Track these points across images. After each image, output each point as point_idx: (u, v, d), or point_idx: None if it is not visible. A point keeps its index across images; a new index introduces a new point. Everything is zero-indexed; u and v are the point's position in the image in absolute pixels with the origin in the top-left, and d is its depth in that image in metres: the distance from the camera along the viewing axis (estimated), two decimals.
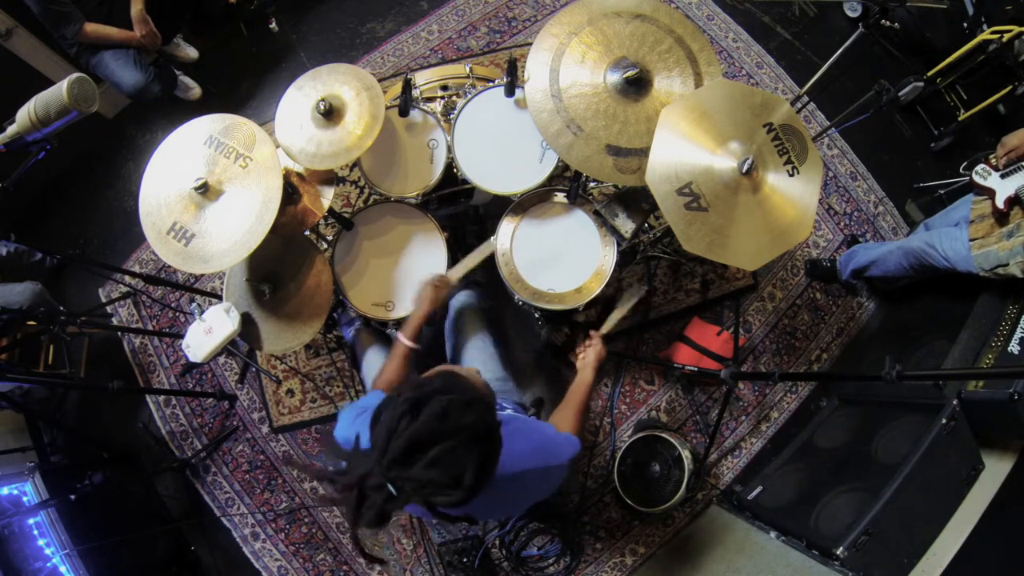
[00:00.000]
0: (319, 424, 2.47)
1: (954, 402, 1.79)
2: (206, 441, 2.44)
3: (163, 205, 1.57)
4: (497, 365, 1.72)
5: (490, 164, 1.85)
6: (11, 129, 1.41)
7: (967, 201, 2.09)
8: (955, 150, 2.81)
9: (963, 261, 1.99)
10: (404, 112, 1.86)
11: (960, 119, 2.72)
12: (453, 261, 1.92)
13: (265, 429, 2.47)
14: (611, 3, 1.63)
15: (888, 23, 2.06)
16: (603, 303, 2.46)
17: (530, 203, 1.91)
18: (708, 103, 1.52)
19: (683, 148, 1.48)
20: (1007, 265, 1.87)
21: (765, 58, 2.96)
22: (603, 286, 1.85)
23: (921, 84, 2.69)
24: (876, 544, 1.62)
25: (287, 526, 2.39)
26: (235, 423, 2.48)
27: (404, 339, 1.50)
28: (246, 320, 1.79)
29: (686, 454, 2.17)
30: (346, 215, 1.92)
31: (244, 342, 1.99)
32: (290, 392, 2.50)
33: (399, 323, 1.93)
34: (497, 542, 2.33)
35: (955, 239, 2.02)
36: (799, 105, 2.52)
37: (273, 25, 2.95)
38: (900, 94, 2.70)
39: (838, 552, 1.61)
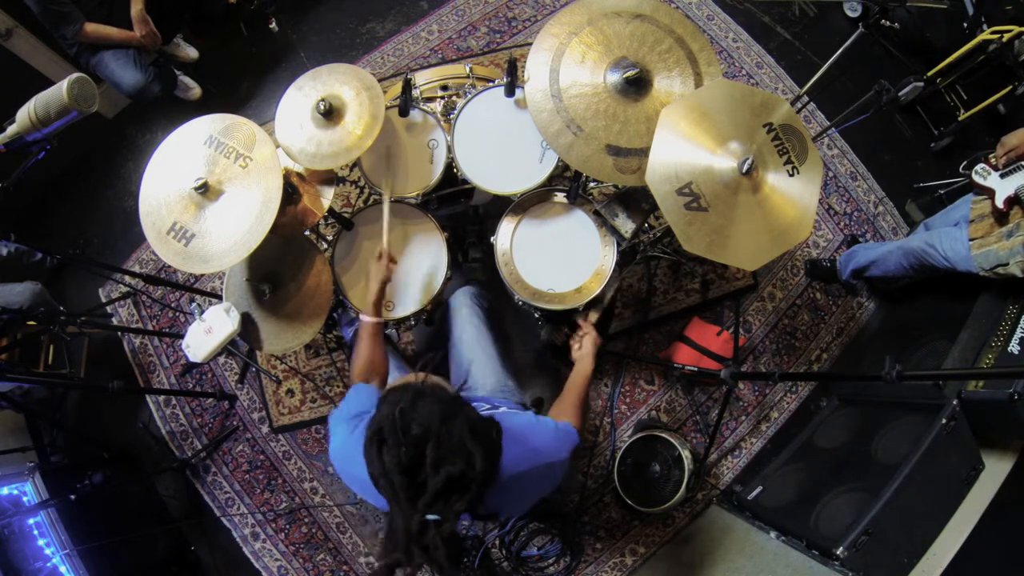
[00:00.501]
0: (319, 424, 2.47)
1: (954, 402, 1.79)
2: (206, 441, 2.45)
3: (163, 205, 1.57)
4: (497, 365, 1.72)
5: (490, 164, 1.85)
6: (11, 129, 1.41)
7: (967, 201, 2.09)
8: (955, 150, 2.81)
9: (963, 261, 1.99)
10: (404, 112, 1.86)
11: (960, 119, 2.72)
12: (453, 261, 1.92)
13: (265, 429, 2.47)
14: (611, 3, 1.63)
15: (888, 23, 2.06)
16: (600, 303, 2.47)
17: (530, 203, 1.91)
18: (708, 103, 1.52)
19: (683, 148, 1.48)
20: (1007, 264, 1.87)
21: (765, 58, 2.96)
22: (603, 286, 1.85)
23: (921, 84, 2.69)
24: (876, 544, 1.62)
25: (287, 526, 2.39)
26: (235, 423, 2.48)
27: (366, 317, 1.51)
28: (246, 320, 1.79)
29: (686, 454, 2.17)
30: (346, 215, 1.92)
31: (244, 342, 1.99)
32: (290, 392, 2.50)
33: (399, 323, 1.93)
34: (497, 542, 2.33)
35: (955, 239, 2.02)
36: (799, 105, 2.52)
37: (273, 25, 2.95)
38: (900, 94, 2.70)
39: (838, 552, 1.61)
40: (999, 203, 1.92)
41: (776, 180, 1.52)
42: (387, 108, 1.75)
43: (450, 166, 1.88)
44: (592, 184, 2.20)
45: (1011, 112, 2.72)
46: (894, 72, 2.87)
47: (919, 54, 2.90)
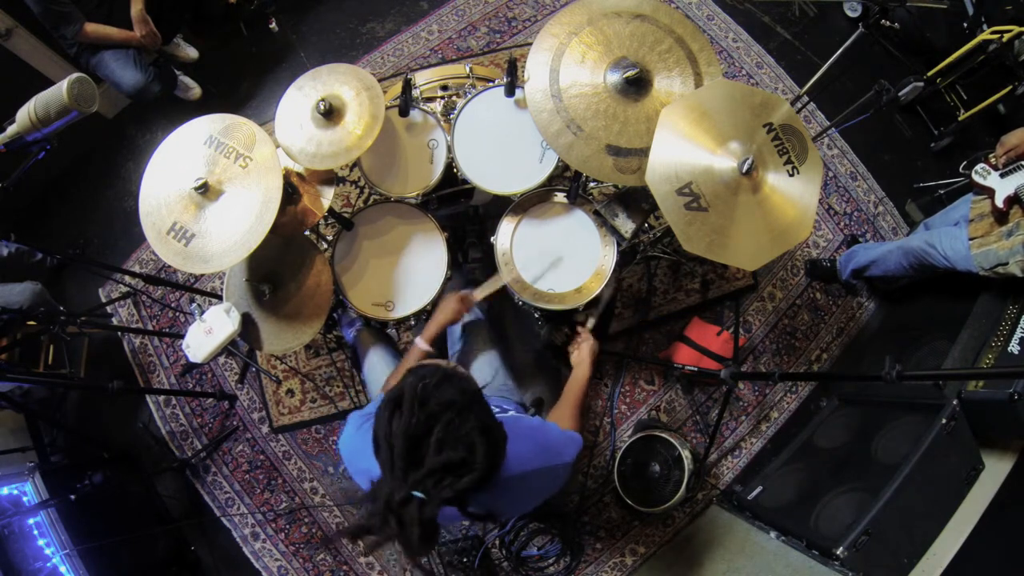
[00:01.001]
0: (319, 424, 2.47)
1: (954, 402, 1.79)
2: (206, 441, 2.45)
3: (163, 205, 1.57)
4: (497, 364, 1.72)
5: (490, 164, 1.85)
6: (11, 129, 1.41)
7: (967, 200, 2.09)
8: (955, 150, 2.81)
9: (963, 260, 1.99)
10: (404, 112, 1.86)
11: (960, 119, 2.72)
12: (453, 261, 1.92)
13: (265, 429, 2.47)
14: (611, 3, 1.63)
15: (888, 23, 2.06)
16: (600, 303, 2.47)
17: (530, 203, 1.91)
18: (708, 103, 1.52)
19: (683, 148, 1.48)
20: (1007, 264, 1.87)
21: (765, 58, 2.96)
22: (603, 286, 1.85)
23: (921, 84, 2.69)
24: (876, 544, 1.62)
25: (287, 526, 2.39)
26: (235, 423, 2.48)
27: (421, 343, 1.54)
28: (246, 320, 1.79)
29: (686, 454, 2.17)
30: (346, 215, 1.92)
31: (244, 342, 1.99)
32: (290, 392, 2.50)
33: (399, 323, 1.93)
34: (497, 542, 2.33)
35: (955, 238, 2.02)
36: (799, 105, 2.52)
37: (273, 25, 2.95)
38: (900, 94, 2.70)
39: (838, 552, 1.61)
40: (999, 203, 1.92)
41: (776, 180, 1.52)
42: (387, 108, 1.75)
43: (450, 166, 1.88)
44: (592, 184, 2.20)
45: (1011, 112, 2.71)
46: (894, 72, 2.87)
47: (919, 54, 2.90)
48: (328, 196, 1.78)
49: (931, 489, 1.73)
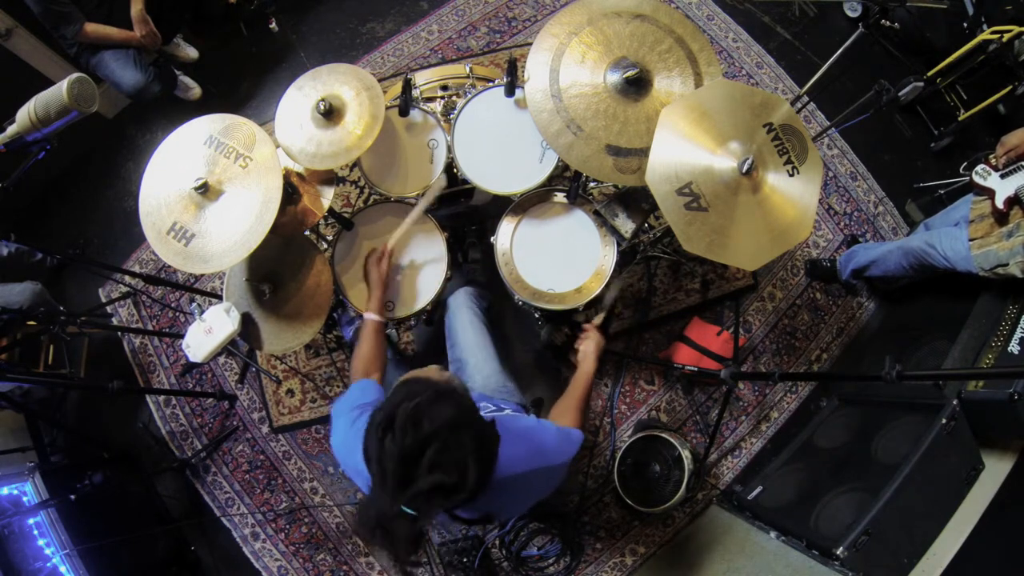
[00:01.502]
0: (319, 424, 2.47)
1: (954, 402, 1.79)
2: (206, 441, 2.45)
3: (163, 205, 1.57)
4: (496, 365, 1.72)
5: (490, 164, 1.85)
6: (11, 129, 1.42)
7: (967, 201, 2.09)
8: (955, 150, 2.81)
9: (963, 261, 1.99)
10: (404, 112, 1.86)
11: (960, 119, 2.72)
12: (453, 261, 1.92)
13: (265, 429, 2.47)
14: (611, 3, 1.63)
15: (888, 23, 2.06)
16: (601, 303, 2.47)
17: (530, 203, 1.91)
18: (708, 103, 1.52)
19: (683, 148, 1.48)
20: (1007, 265, 1.86)
21: (765, 58, 2.96)
22: (603, 286, 1.85)
23: (921, 84, 2.69)
24: (876, 544, 1.62)
25: (287, 526, 2.39)
26: (235, 423, 2.48)
27: (371, 315, 1.55)
28: (246, 320, 1.79)
29: (686, 454, 2.17)
30: (346, 215, 1.92)
31: (244, 342, 1.99)
32: (290, 392, 2.50)
33: (399, 323, 1.93)
34: (497, 542, 2.33)
35: (955, 239, 2.02)
36: (799, 105, 2.52)
37: (273, 25, 2.95)
38: (900, 94, 2.70)
39: (838, 552, 1.61)
40: (999, 203, 1.92)
41: (776, 180, 1.52)
42: (387, 108, 1.75)
43: (450, 166, 1.88)
44: (592, 184, 2.20)
45: (1011, 112, 2.71)
46: (894, 72, 2.87)
47: (919, 54, 2.90)
48: (328, 196, 1.78)
49: (931, 489, 1.73)
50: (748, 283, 2.64)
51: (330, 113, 1.64)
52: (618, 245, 1.87)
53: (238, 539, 2.37)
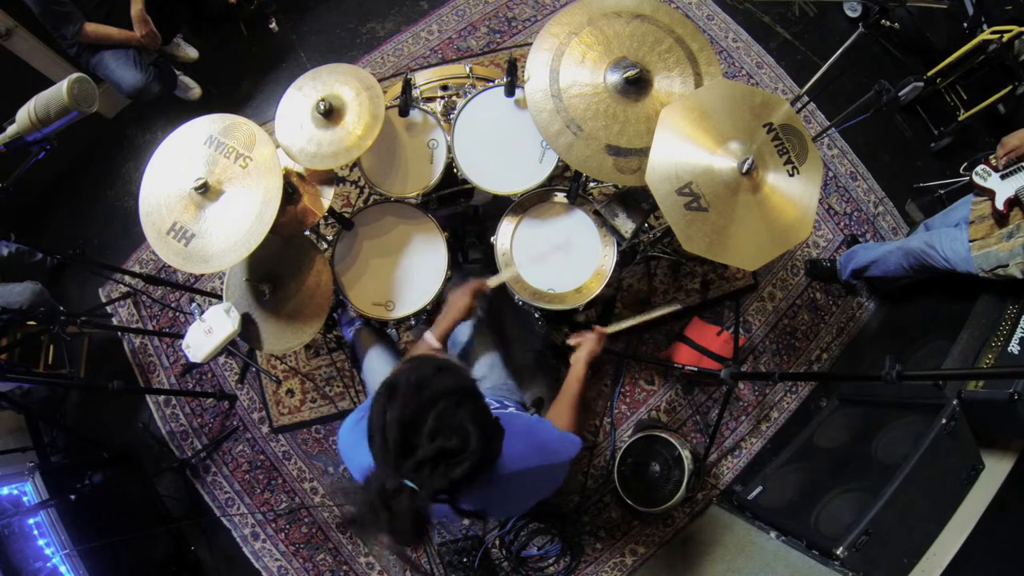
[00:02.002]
0: (319, 424, 2.47)
1: (954, 402, 1.79)
2: (206, 441, 2.45)
3: (163, 205, 1.57)
4: (497, 365, 1.72)
5: (490, 164, 1.85)
6: (11, 129, 1.42)
7: (967, 201, 2.09)
8: (955, 150, 2.81)
9: (963, 262, 1.99)
10: (404, 112, 1.86)
11: (960, 119, 2.72)
12: (453, 261, 1.92)
13: (265, 429, 2.47)
14: (611, 3, 1.63)
15: (888, 23, 2.06)
16: (603, 303, 2.47)
17: (530, 203, 1.91)
18: (708, 103, 1.52)
19: (683, 148, 1.48)
20: (1007, 266, 1.86)
21: (765, 58, 2.96)
22: (603, 286, 1.85)
23: (921, 84, 2.69)
24: (876, 544, 1.62)
25: (287, 526, 2.39)
26: (235, 423, 2.48)
27: (432, 340, 1.48)
28: (246, 320, 1.79)
29: (686, 454, 2.17)
30: (346, 215, 1.92)
31: (244, 342, 1.99)
32: (290, 392, 2.50)
33: (399, 323, 1.93)
34: (497, 542, 2.33)
35: (955, 240, 2.02)
36: (799, 105, 2.52)
37: (273, 25, 2.95)
38: (900, 94, 2.70)
39: (838, 552, 1.61)
40: (999, 205, 1.92)
41: (776, 180, 1.52)
42: (387, 108, 1.75)
43: (450, 166, 1.88)
44: (592, 184, 2.20)
45: (1011, 112, 2.71)
46: (894, 72, 2.87)
47: (919, 54, 2.89)
48: (328, 196, 1.79)
49: (931, 489, 1.73)
50: (748, 283, 2.64)
51: (330, 113, 1.64)
52: (618, 245, 1.87)
53: (238, 539, 2.37)
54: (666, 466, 2.23)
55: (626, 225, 1.80)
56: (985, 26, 2.57)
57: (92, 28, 2.34)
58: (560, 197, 1.92)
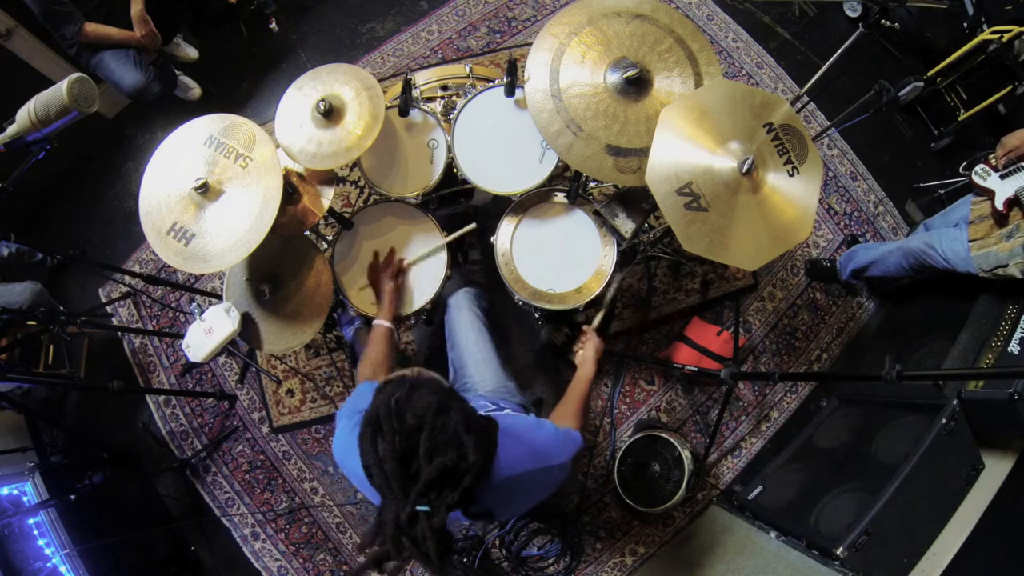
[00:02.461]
0: (319, 424, 2.47)
1: (954, 402, 1.79)
2: (206, 441, 2.45)
3: (163, 205, 1.57)
4: (496, 366, 1.72)
5: (490, 164, 1.85)
6: (11, 129, 1.42)
7: (967, 201, 2.09)
8: (955, 150, 2.81)
9: (962, 262, 1.99)
10: (404, 112, 1.86)
11: (960, 119, 2.72)
12: (453, 261, 1.92)
13: (265, 429, 2.47)
14: (611, 3, 1.63)
15: (888, 23, 2.06)
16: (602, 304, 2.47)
17: (530, 203, 1.91)
18: (708, 103, 1.52)
19: (683, 148, 1.48)
20: (1007, 266, 1.86)
21: (765, 58, 2.96)
22: (603, 286, 1.85)
23: (921, 84, 2.69)
24: (876, 544, 1.62)
25: (287, 526, 2.39)
26: (235, 423, 2.48)
27: (381, 321, 1.54)
28: (246, 320, 1.79)
29: (686, 454, 2.17)
30: (346, 215, 1.92)
31: (244, 342, 1.99)
32: (290, 392, 2.50)
33: (399, 323, 1.93)
34: (497, 542, 2.33)
35: (954, 240, 2.02)
36: (799, 105, 2.52)
37: (273, 25, 2.95)
38: (900, 94, 2.70)
39: (838, 552, 1.61)
40: (999, 205, 1.92)
41: (776, 180, 1.52)
42: (387, 108, 1.75)
43: (450, 166, 1.88)
44: (592, 184, 2.20)
45: (1011, 112, 2.71)
46: (894, 72, 2.87)
47: (919, 54, 2.89)
48: (328, 196, 1.78)
49: (931, 489, 1.73)
50: (748, 283, 2.64)
51: (330, 113, 1.64)
52: (618, 245, 1.87)
53: (238, 539, 2.37)
54: (666, 466, 2.23)
55: (626, 225, 1.80)
56: (985, 26, 2.57)
57: (92, 28, 2.34)
58: (560, 197, 1.92)
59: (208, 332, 1.76)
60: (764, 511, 2.10)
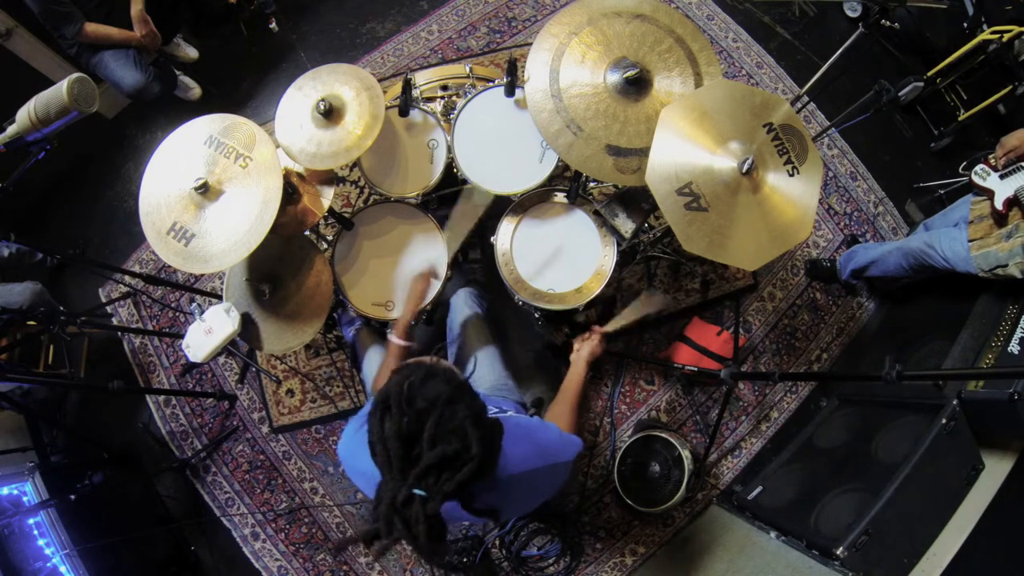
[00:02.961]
0: (319, 424, 2.47)
1: (954, 402, 1.79)
2: (206, 441, 2.45)
3: (163, 205, 1.57)
4: (496, 365, 1.72)
5: (490, 164, 1.85)
6: (11, 129, 1.42)
7: (966, 201, 2.09)
8: (955, 150, 2.81)
9: (962, 262, 1.99)
10: (404, 112, 1.86)
11: (960, 119, 2.72)
12: (453, 261, 1.92)
13: (265, 429, 2.47)
14: (611, 3, 1.63)
15: (888, 23, 2.06)
16: (603, 303, 2.47)
17: (530, 203, 1.91)
18: (708, 103, 1.52)
19: (683, 148, 1.48)
20: (1006, 266, 1.86)
21: (765, 58, 2.96)
22: (603, 286, 1.85)
23: (921, 84, 2.69)
24: (876, 544, 1.62)
25: (287, 526, 2.39)
26: (235, 423, 2.48)
27: (396, 339, 1.51)
28: (246, 320, 1.79)
29: (686, 454, 2.17)
30: (346, 215, 1.92)
31: (244, 342, 1.99)
32: (290, 392, 2.50)
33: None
34: (497, 542, 2.33)
35: (954, 239, 2.02)
36: (799, 105, 2.52)
37: (273, 25, 2.95)
38: (900, 94, 2.70)
39: (838, 552, 1.61)
40: (998, 205, 1.92)
41: (776, 180, 1.52)
42: (387, 108, 1.75)
43: (450, 166, 1.88)
44: (592, 184, 2.20)
45: (1011, 112, 2.71)
46: (894, 72, 2.87)
47: (919, 54, 2.89)
48: (328, 196, 1.79)
49: (931, 489, 1.73)
50: (748, 283, 2.64)
51: (330, 113, 1.64)
52: (618, 245, 1.87)
53: (238, 539, 2.37)
54: (666, 466, 2.23)
55: (626, 225, 1.80)
56: (985, 26, 2.57)
57: (92, 28, 2.34)
58: (560, 197, 1.92)
59: (208, 332, 1.76)
60: (764, 511, 2.10)
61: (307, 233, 1.87)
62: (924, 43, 2.84)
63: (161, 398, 2.50)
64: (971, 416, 1.79)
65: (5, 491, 1.95)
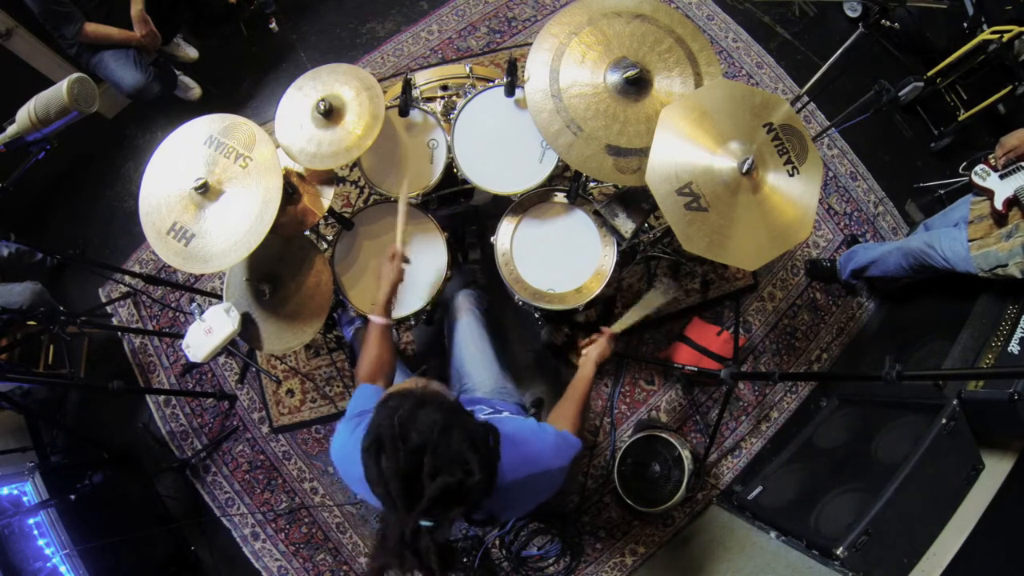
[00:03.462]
0: (319, 424, 2.47)
1: (954, 402, 1.79)
2: (206, 441, 2.45)
3: (163, 205, 1.57)
4: (496, 367, 1.72)
5: (490, 164, 1.85)
6: (11, 129, 1.42)
7: (966, 201, 2.09)
8: (955, 150, 2.81)
9: (962, 262, 1.99)
10: (404, 112, 1.86)
11: (960, 119, 2.72)
12: (453, 261, 1.92)
13: (265, 429, 2.47)
14: (611, 3, 1.63)
15: (888, 23, 2.05)
16: (603, 303, 2.47)
17: (530, 203, 1.91)
18: (708, 103, 1.52)
19: (683, 148, 1.48)
20: (1006, 266, 1.86)
21: (765, 58, 2.96)
22: (603, 286, 1.85)
23: (921, 84, 2.69)
24: (876, 544, 1.62)
25: (287, 526, 2.39)
26: (235, 423, 2.48)
27: (376, 318, 1.46)
28: (246, 320, 1.79)
29: (686, 454, 2.17)
30: (346, 215, 1.92)
31: (244, 342, 1.99)
32: (290, 392, 2.50)
33: (399, 323, 1.93)
34: (497, 542, 2.33)
35: (954, 239, 2.02)
36: (799, 105, 2.52)
37: (273, 25, 2.95)
38: (900, 94, 2.70)
39: (838, 552, 1.61)
40: (998, 205, 1.92)
41: (776, 180, 1.52)
42: (387, 108, 1.75)
43: (450, 166, 1.88)
44: (592, 184, 2.20)
45: (1011, 112, 2.71)
46: (894, 72, 2.87)
47: (919, 54, 2.89)
48: (328, 196, 1.79)
49: (931, 489, 1.73)
50: (748, 283, 2.64)
51: (330, 113, 1.64)
52: (618, 245, 1.87)
53: (238, 539, 2.37)
54: (666, 466, 2.23)
55: (626, 225, 1.80)
56: (985, 26, 2.57)
57: (92, 28, 2.35)
58: (560, 197, 1.92)
59: (208, 332, 1.76)
60: (764, 511, 2.10)
61: (307, 233, 1.87)
62: (924, 43, 2.84)
63: (161, 398, 2.50)
64: (971, 416, 1.79)
65: (5, 491, 1.95)
